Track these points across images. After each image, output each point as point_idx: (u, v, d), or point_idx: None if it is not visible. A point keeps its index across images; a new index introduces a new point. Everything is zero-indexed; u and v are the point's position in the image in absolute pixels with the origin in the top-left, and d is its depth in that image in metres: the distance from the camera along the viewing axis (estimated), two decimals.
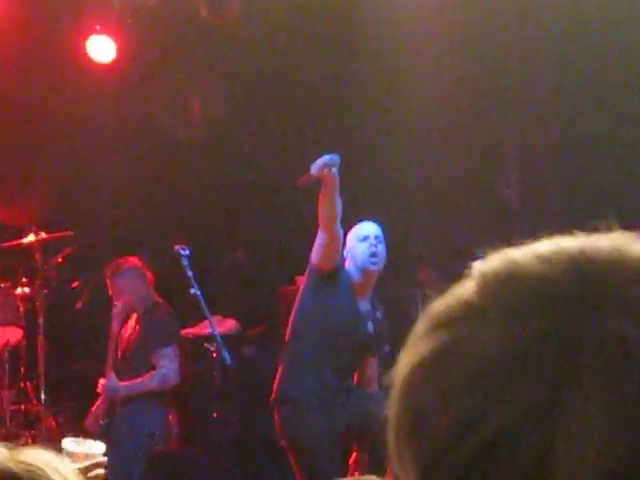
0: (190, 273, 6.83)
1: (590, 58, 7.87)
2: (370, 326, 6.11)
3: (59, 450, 2.90)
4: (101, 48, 8.26)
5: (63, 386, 7.91)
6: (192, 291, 6.81)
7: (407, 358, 0.82)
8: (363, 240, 6.02)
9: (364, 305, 6.10)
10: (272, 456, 7.35)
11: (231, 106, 8.92)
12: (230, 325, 7.99)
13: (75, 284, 8.20)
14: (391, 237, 6.25)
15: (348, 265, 6.01)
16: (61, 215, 8.58)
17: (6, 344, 7.58)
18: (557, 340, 0.75)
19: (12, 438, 7.18)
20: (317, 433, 5.80)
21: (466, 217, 8.46)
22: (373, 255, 5.99)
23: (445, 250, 8.26)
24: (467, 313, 0.80)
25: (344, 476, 5.95)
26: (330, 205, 5.72)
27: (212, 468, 7.56)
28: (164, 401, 7.31)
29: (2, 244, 8.05)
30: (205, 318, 7.03)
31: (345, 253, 5.99)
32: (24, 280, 7.92)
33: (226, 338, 7.12)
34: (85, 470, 2.79)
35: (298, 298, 6.05)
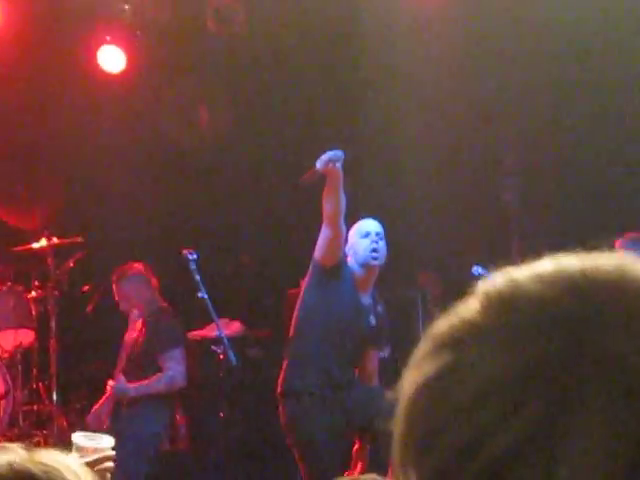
0: (197, 277, 6.84)
1: (588, 67, 7.86)
2: (372, 319, 6.13)
3: (70, 448, 2.90)
4: (111, 58, 8.27)
5: (74, 387, 7.92)
6: (199, 295, 6.82)
7: (412, 377, 0.81)
8: (365, 236, 6.04)
9: (366, 299, 6.12)
10: (277, 455, 7.35)
11: (237, 115, 8.93)
12: (236, 327, 7.99)
13: (86, 288, 8.20)
14: (392, 240, 6.26)
15: (350, 261, 6.02)
16: (72, 221, 8.58)
17: (19, 346, 7.57)
18: (559, 362, 0.74)
19: (25, 437, 7.20)
20: (320, 427, 5.80)
21: (466, 221, 8.46)
22: (374, 251, 6.01)
23: (445, 253, 8.27)
24: (471, 334, 0.79)
25: (347, 467, 5.96)
26: (334, 200, 5.73)
27: (219, 467, 7.56)
28: (169, 402, 7.31)
29: (15, 249, 8.06)
30: (212, 321, 7.04)
31: (347, 249, 6.00)
32: (36, 284, 7.93)
33: (232, 340, 7.12)
34: (94, 463, 2.79)
35: (302, 293, 6.05)
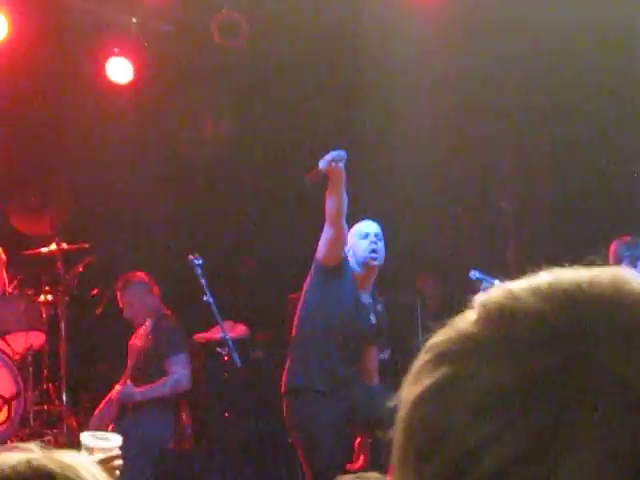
0: (203, 281, 6.85)
1: (584, 73, 7.85)
2: (372, 318, 6.13)
3: (79, 447, 2.92)
4: (119, 69, 8.28)
5: (83, 388, 7.91)
6: (205, 298, 6.83)
7: (411, 389, 0.80)
8: (364, 238, 6.05)
9: (366, 298, 6.12)
10: (280, 454, 7.36)
11: (241, 124, 8.95)
12: (240, 330, 7.98)
13: (95, 292, 8.20)
14: (392, 245, 6.27)
15: (350, 261, 6.03)
16: (81, 227, 8.59)
17: (30, 348, 7.57)
18: (556, 376, 0.74)
19: (36, 437, 7.19)
20: (323, 424, 5.79)
21: (464, 227, 8.47)
22: (374, 252, 6.02)
23: (443, 258, 8.27)
24: (469, 348, 0.78)
25: (350, 461, 5.95)
26: (337, 199, 5.73)
27: (224, 466, 7.55)
28: (174, 405, 7.34)
29: (26, 254, 8.07)
30: (217, 323, 7.04)
31: (346, 250, 6.00)
32: (47, 288, 7.92)
33: (237, 342, 7.12)
34: (103, 462, 2.80)
35: (303, 293, 6.04)
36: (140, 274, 7.37)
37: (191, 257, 6.93)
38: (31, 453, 1.41)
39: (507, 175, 8.90)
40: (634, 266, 6.16)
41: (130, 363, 7.12)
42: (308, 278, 6.04)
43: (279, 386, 6.08)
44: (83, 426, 7.35)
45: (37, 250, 8.03)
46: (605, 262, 0.83)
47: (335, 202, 5.75)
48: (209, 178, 8.99)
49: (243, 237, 9.07)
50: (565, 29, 7.65)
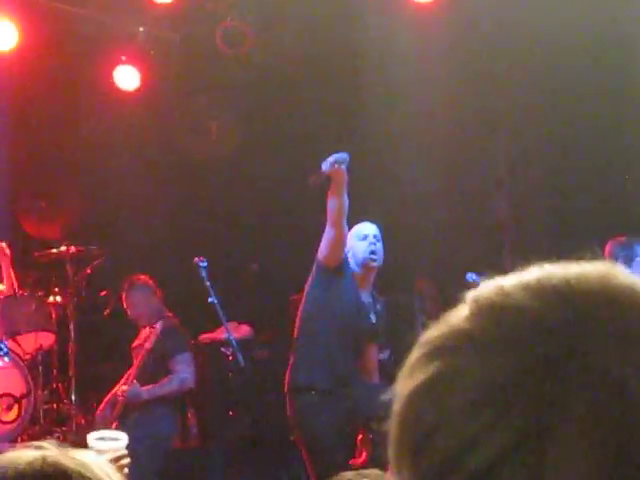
0: (208, 283, 6.85)
1: (581, 75, 7.85)
2: (372, 317, 6.12)
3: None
4: (126, 77, 8.29)
5: (91, 387, 7.91)
6: (210, 300, 6.83)
7: (405, 384, 0.80)
8: (363, 239, 6.04)
9: (366, 297, 6.10)
10: (284, 451, 7.36)
11: (245, 130, 8.95)
12: (244, 330, 7.99)
13: (103, 293, 8.20)
14: (391, 249, 6.27)
15: (349, 262, 6.02)
16: (90, 231, 8.60)
17: (40, 348, 7.57)
18: (545, 371, 0.73)
19: (45, 434, 7.21)
20: (326, 422, 5.78)
21: (460, 230, 8.46)
22: (373, 253, 6.02)
23: (441, 261, 8.27)
24: (460, 343, 0.78)
25: (352, 457, 5.95)
26: (339, 200, 5.73)
27: (228, 463, 7.55)
28: (178, 404, 7.35)
29: (36, 257, 8.09)
30: (222, 324, 7.04)
31: (346, 251, 6.00)
32: (56, 290, 7.93)
33: (240, 342, 7.12)
34: (112, 461, 2.80)
35: (305, 293, 6.03)
36: (144, 277, 7.39)
37: (196, 259, 6.93)
38: (47, 450, 1.42)
39: (503, 177, 8.90)
40: (629, 266, 6.16)
41: (136, 364, 7.12)
42: (309, 278, 6.03)
43: (282, 385, 6.08)
44: (91, 424, 7.36)
45: (47, 253, 8.05)
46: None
47: (337, 203, 5.75)
48: (214, 182, 9.00)
49: (247, 240, 9.07)
50: (562, 32, 7.65)
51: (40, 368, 7.57)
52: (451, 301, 0.84)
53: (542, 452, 0.72)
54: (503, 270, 0.84)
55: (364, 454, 5.98)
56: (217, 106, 8.92)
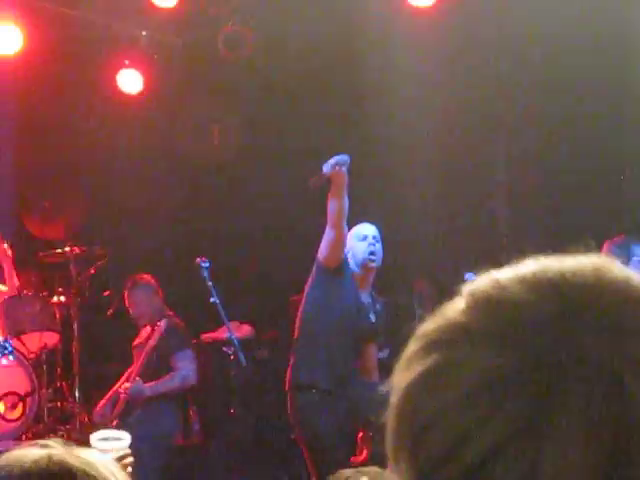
0: (210, 283, 6.85)
1: (577, 80, 7.85)
2: (372, 316, 6.11)
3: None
4: (130, 81, 8.29)
5: (95, 385, 7.91)
6: (212, 300, 6.84)
7: (403, 377, 0.80)
8: (363, 240, 6.03)
9: (365, 297, 6.09)
10: (284, 448, 7.36)
11: (246, 133, 8.96)
12: (246, 330, 7.99)
13: (106, 293, 8.20)
14: (390, 251, 6.27)
15: (349, 262, 6.03)
16: (93, 232, 8.61)
17: (44, 347, 7.57)
18: (541, 364, 0.74)
19: (49, 433, 7.22)
20: (326, 420, 5.76)
21: (458, 231, 8.47)
22: (372, 253, 6.01)
23: (439, 261, 8.27)
24: (457, 336, 0.78)
25: (353, 455, 5.94)
26: (339, 202, 5.72)
27: (229, 460, 7.56)
28: (180, 401, 7.36)
29: (41, 258, 8.10)
30: (223, 324, 7.04)
31: (346, 251, 6.01)
32: (60, 290, 7.93)
33: (242, 342, 7.12)
34: (115, 461, 2.80)
35: (305, 293, 6.02)
36: (147, 276, 7.39)
37: (198, 260, 6.94)
38: (52, 449, 1.43)
39: (500, 179, 8.91)
40: (626, 266, 6.13)
41: (139, 361, 7.12)
42: (309, 279, 6.02)
43: (282, 384, 6.07)
44: (94, 423, 7.36)
45: (51, 253, 8.06)
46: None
47: (337, 205, 5.75)
48: (216, 184, 9.00)
49: (248, 241, 9.08)
50: (562, 34, 7.65)
51: (44, 367, 7.57)
52: (450, 301, 0.84)
53: (538, 444, 0.72)
54: (500, 269, 0.83)
55: (364, 452, 5.98)
56: (219, 109, 8.92)
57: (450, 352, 0.77)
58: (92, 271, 8.02)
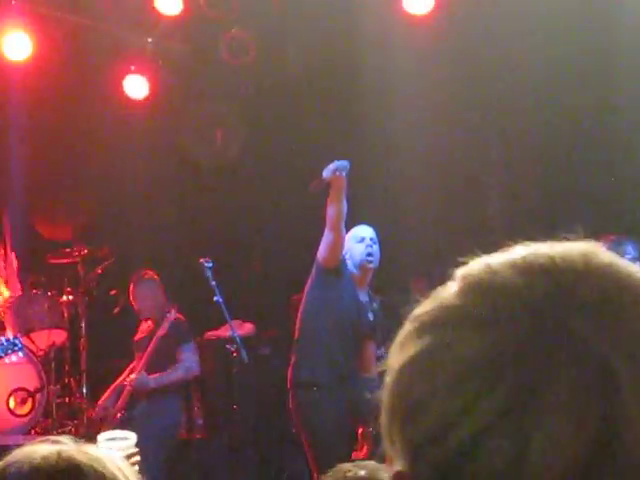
0: (213, 283, 6.86)
1: (572, 84, 7.85)
2: (370, 315, 6.11)
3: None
4: (136, 86, 8.29)
5: (102, 382, 7.91)
6: (215, 299, 6.84)
7: (397, 358, 0.80)
8: (360, 241, 6.03)
9: (363, 297, 6.09)
10: (285, 443, 7.36)
11: (248, 136, 8.96)
12: (248, 328, 7.99)
13: (113, 292, 8.20)
14: (388, 250, 6.27)
15: (347, 263, 6.03)
16: (100, 233, 8.61)
17: (52, 345, 7.58)
18: (530, 346, 0.73)
19: (57, 428, 7.23)
20: (327, 416, 5.75)
21: (454, 232, 8.47)
22: (370, 255, 6.00)
23: (435, 261, 8.27)
24: (449, 319, 0.78)
25: (353, 450, 5.92)
26: (338, 206, 5.71)
27: (232, 453, 7.56)
28: (183, 394, 7.37)
29: (50, 258, 8.10)
30: (226, 322, 7.05)
31: (344, 252, 6.01)
32: (68, 289, 7.93)
33: (244, 339, 7.12)
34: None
35: (305, 293, 6.01)
36: (151, 272, 7.41)
37: (202, 260, 6.93)
38: (63, 445, 1.43)
39: (495, 178, 8.90)
40: None
41: (145, 355, 7.12)
42: (309, 279, 6.02)
43: (283, 380, 6.07)
44: (97, 417, 7.36)
45: (60, 254, 8.06)
46: None
47: (336, 209, 5.74)
48: (219, 186, 9.00)
49: (250, 242, 9.07)
50: (557, 40, 7.64)
51: (53, 364, 7.57)
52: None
53: (526, 427, 0.72)
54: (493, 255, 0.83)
55: (365, 448, 5.97)
56: (222, 114, 8.93)
57: (442, 334, 0.77)
58: (99, 271, 8.02)
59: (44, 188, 8.79)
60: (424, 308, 0.81)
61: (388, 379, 0.81)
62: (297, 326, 6.03)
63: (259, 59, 8.27)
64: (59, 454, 1.40)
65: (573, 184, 8.12)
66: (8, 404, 7.18)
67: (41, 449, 1.42)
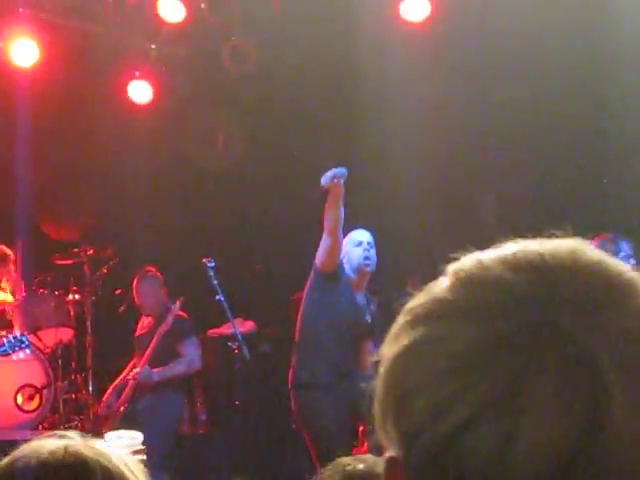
0: (215, 282, 6.86)
1: (566, 90, 7.85)
2: (368, 317, 6.10)
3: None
4: (140, 91, 8.29)
5: (107, 378, 7.91)
6: (217, 297, 6.84)
7: (390, 349, 0.81)
8: (358, 245, 6.02)
9: (360, 299, 6.09)
10: (286, 437, 7.36)
11: (250, 140, 8.95)
12: (249, 326, 7.99)
13: (118, 291, 8.20)
14: (385, 250, 6.26)
15: (345, 267, 6.02)
16: (106, 233, 8.61)
17: (59, 342, 7.58)
18: (518, 339, 0.74)
19: (64, 423, 7.22)
20: (329, 415, 5.74)
21: (450, 232, 8.46)
22: (367, 258, 6.00)
23: (431, 260, 8.26)
24: (441, 312, 0.79)
25: (354, 447, 5.91)
26: (335, 212, 5.70)
27: (234, 447, 7.56)
28: (185, 388, 7.37)
29: (56, 258, 8.09)
30: (228, 320, 7.05)
31: (342, 256, 6.00)
32: (74, 288, 7.93)
33: (246, 337, 7.13)
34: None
35: (304, 297, 6.01)
36: (154, 269, 7.42)
37: (205, 260, 6.93)
38: (70, 440, 1.41)
39: (489, 179, 8.91)
40: None
41: (149, 350, 7.11)
42: (308, 283, 6.00)
43: (284, 376, 6.06)
44: (101, 414, 7.36)
45: (66, 255, 8.06)
46: None
47: (333, 215, 5.72)
48: (221, 189, 9.00)
49: (251, 242, 9.07)
50: (551, 48, 7.65)
51: (60, 361, 7.57)
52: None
53: (513, 417, 0.72)
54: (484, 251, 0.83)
55: (366, 445, 5.96)
56: (223, 118, 8.92)
57: (434, 326, 0.78)
58: (104, 271, 8.02)
59: (50, 191, 8.79)
60: (417, 301, 0.82)
61: (382, 369, 0.81)
62: (297, 328, 6.02)
63: (260, 65, 8.27)
64: (66, 449, 1.39)
65: (568, 184, 8.12)
66: (16, 400, 7.17)
67: (48, 444, 1.41)
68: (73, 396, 7.76)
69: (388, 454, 0.80)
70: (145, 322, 7.37)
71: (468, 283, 0.79)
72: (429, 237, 8.39)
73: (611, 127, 7.88)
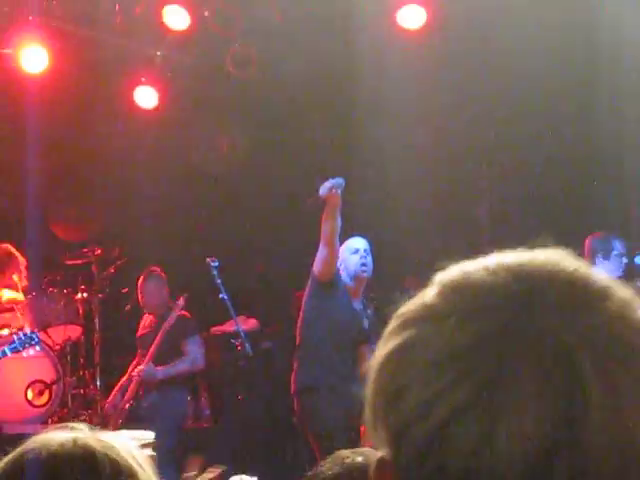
0: (219, 281, 6.85)
1: (562, 97, 7.85)
2: (365, 322, 6.10)
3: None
4: (146, 96, 8.29)
5: (114, 374, 7.91)
6: (221, 296, 6.84)
7: (382, 349, 0.83)
8: (354, 253, 6.01)
9: (357, 305, 6.08)
10: (287, 431, 7.36)
11: (252, 144, 8.96)
12: (252, 323, 7.98)
13: (125, 290, 8.20)
14: (381, 252, 6.26)
15: (342, 274, 6.01)
16: (113, 234, 8.61)
17: (68, 339, 7.57)
18: (498, 339, 0.75)
19: (73, 417, 7.21)
20: (331, 418, 5.72)
21: (444, 232, 8.47)
22: (364, 265, 5.99)
23: (426, 260, 8.26)
24: (429, 315, 0.81)
25: (357, 446, 5.89)
26: (332, 222, 5.68)
27: (237, 442, 7.55)
28: (190, 386, 7.36)
29: (65, 258, 8.10)
30: (231, 318, 7.04)
31: (339, 264, 5.99)
32: (83, 287, 7.93)
33: (248, 334, 7.12)
34: None
35: (303, 304, 6.00)
36: (159, 269, 7.42)
37: (208, 260, 6.93)
38: (79, 432, 1.41)
39: (483, 186, 8.91)
40: (607, 258, 6.07)
41: (152, 348, 7.11)
42: (307, 289, 5.99)
43: (285, 372, 6.05)
44: (107, 415, 7.36)
45: (75, 255, 8.06)
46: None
47: (330, 225, 5.69)
48: (224, 191, 9.00)
49: (254, 242, 9.07)
50: (549, 54, 7.65)
51: (68, 357, 7.57)
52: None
53: (493, 413, 0.73)
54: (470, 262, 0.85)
55: (368, 445, 5.93)
56: (227, 123, 8.92)
57: (420, 329, 0.80)
58: (112, 270, 8.02)
59: (60, 194, 8.79)
60: (408, 307, 0.84)
61: (372, 369, 0.83)
62: (298, 333, 6.01)
63: (262, 71, 8.27)
64: (75, 441, 1.39)
65: (560, 191, 8.12)
66: (26, 395, 7.17)
67: (58, 436, 1.42)
68: (81, 391, 7.76)
69: (378, 455, 0.82)
70: (147, 322, 7.36)
71: (453, 289, 0.81)
72: (425, 237, 8.39)
73: (602, 133, 7.88)
